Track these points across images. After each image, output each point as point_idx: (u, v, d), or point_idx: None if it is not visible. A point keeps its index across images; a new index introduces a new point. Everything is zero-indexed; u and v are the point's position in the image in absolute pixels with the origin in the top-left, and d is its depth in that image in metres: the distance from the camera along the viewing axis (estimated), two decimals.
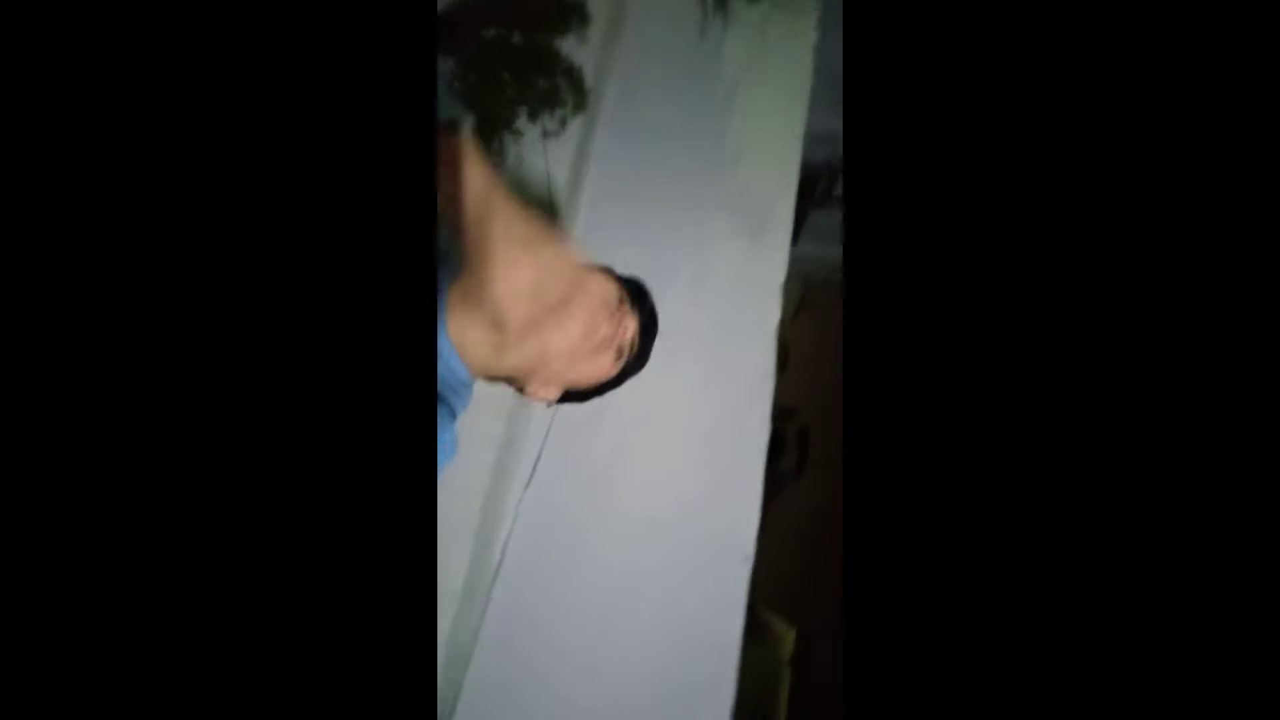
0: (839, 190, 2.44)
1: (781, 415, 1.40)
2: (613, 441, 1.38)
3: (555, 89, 1.40)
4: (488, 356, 0.57)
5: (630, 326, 0.66)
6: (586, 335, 0.62)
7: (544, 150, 1.44)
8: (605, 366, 0.65)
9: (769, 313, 1.41)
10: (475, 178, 0.52)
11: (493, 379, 0.65)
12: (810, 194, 2.35)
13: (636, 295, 0.71)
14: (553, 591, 1.34)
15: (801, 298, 3.27)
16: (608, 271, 0.67)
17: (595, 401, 1.45)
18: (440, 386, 0.56)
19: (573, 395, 0.74)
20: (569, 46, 1.44)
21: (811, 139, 1.69)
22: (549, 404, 0.72)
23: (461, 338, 0.53)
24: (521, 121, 1.35)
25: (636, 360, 0.69)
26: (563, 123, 1.41)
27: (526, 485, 1.39)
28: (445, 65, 1.34)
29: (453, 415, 0.60)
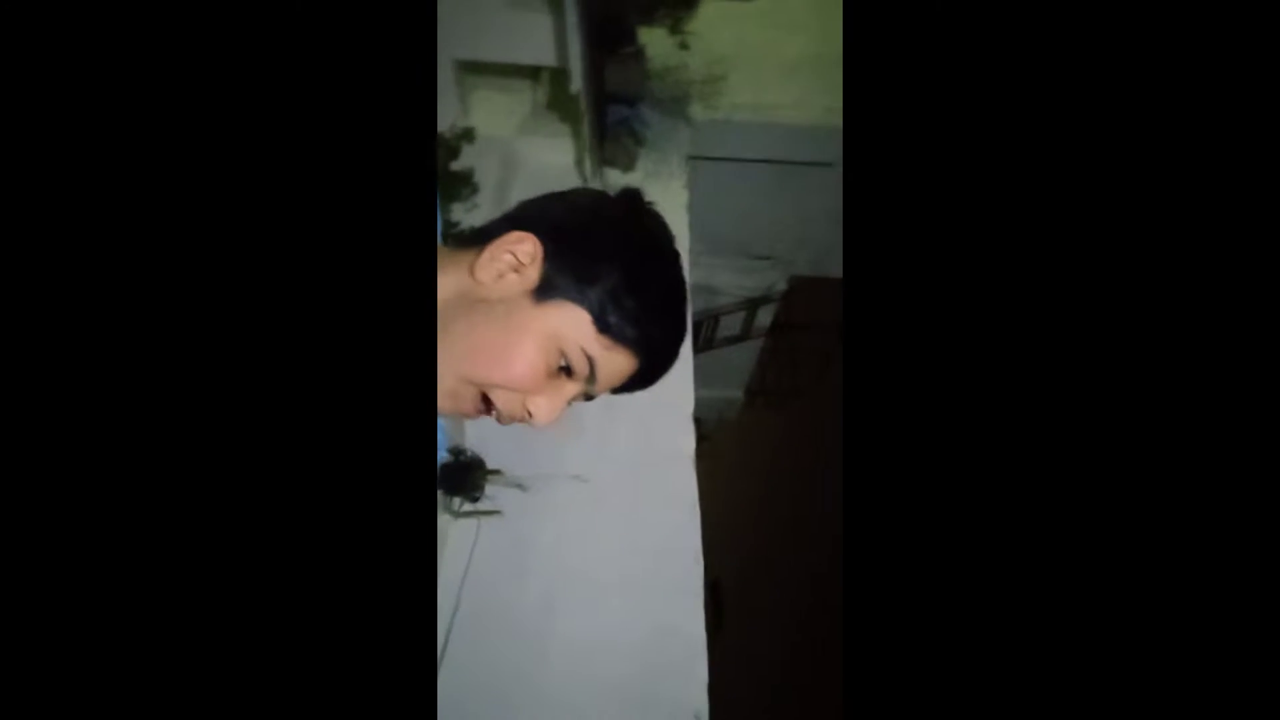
0: (720, 335, 2.62)
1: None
2: (535, 600, 1.25)
3: None
4: None
5: (590, 382, 0.45)
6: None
7: None
8: (551, 416, 0.45)
9: (684, 443, 1.41)
10: None
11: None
12: (694, 342, 2.49)
13: (644, 327, 0.46)
14: None
15: (697, 443, 3.29)
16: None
17: (513, 556, 1.33)
18: None
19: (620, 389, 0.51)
20: (459, 212, 1.50)
21: (691, 290, 1.84)
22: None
23: None
24: None
25: (642, 372, 0.47)
26: None
27: (436, 672, 1.19)
28: None
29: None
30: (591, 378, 0.46)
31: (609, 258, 0.46)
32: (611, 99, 1.52)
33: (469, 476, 1.25)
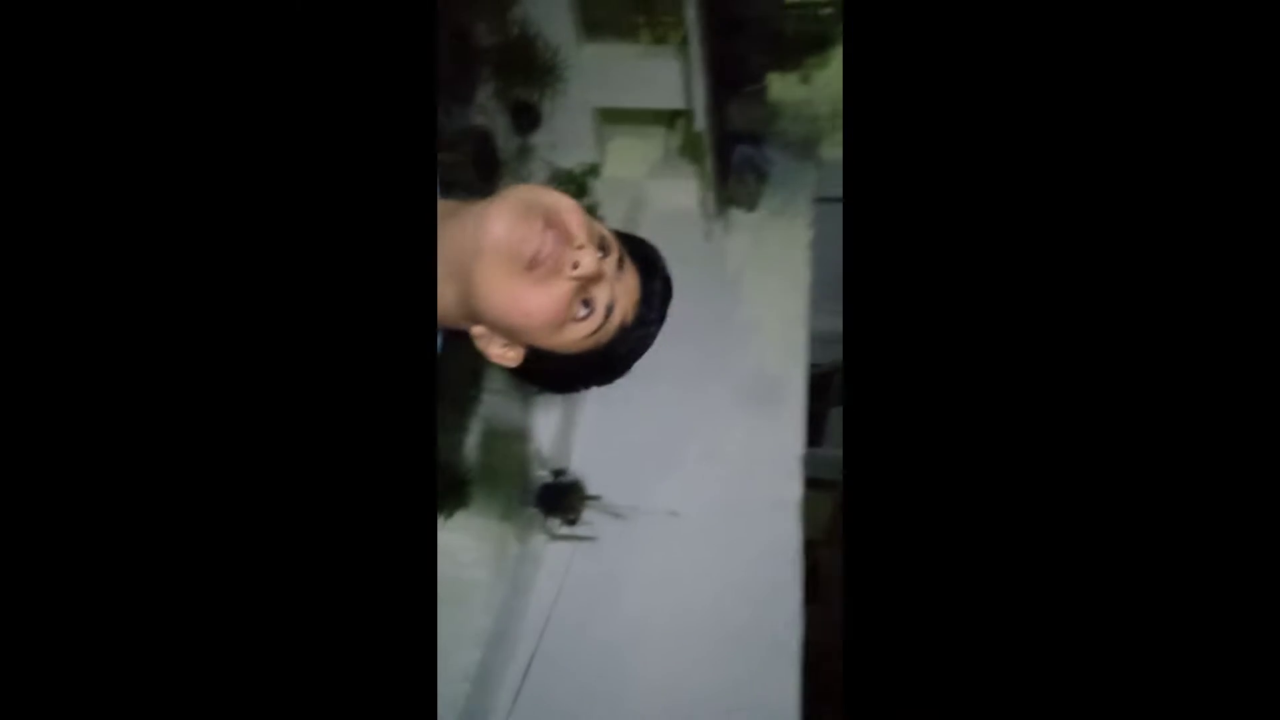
0: None
1: (816, 656, 1.18)
2: (621, 635, 1.21)
3: None
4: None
5: (617, 276, 0.48)
6: (510, 248, 0.44)
7: None
8: (560, 300, 0.45)
9: (789, 490, 1.32)
10: None
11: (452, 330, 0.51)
12: (826, 395, 2.36)
13: (639, 253, 0.53)
14: None
15: (834, 515, 3.02)
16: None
17: (601, 587, 1.31)
18: None
19: (553, 377, 0.54)
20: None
21: (824, 339, 1.75)
22: (513, 371, 0.51)
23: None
24: None
25: (638, 330, 0.51)
26: None
27: (515, 698, 1.18)
28: None
29: None
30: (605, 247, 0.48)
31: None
32: (736, 137, 1.53)
33: (566, 498, 1.26)
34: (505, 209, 0.45)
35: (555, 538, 1.29)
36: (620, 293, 0.49)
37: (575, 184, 1.50)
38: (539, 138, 1.68)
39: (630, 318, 0.50)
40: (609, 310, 0.48)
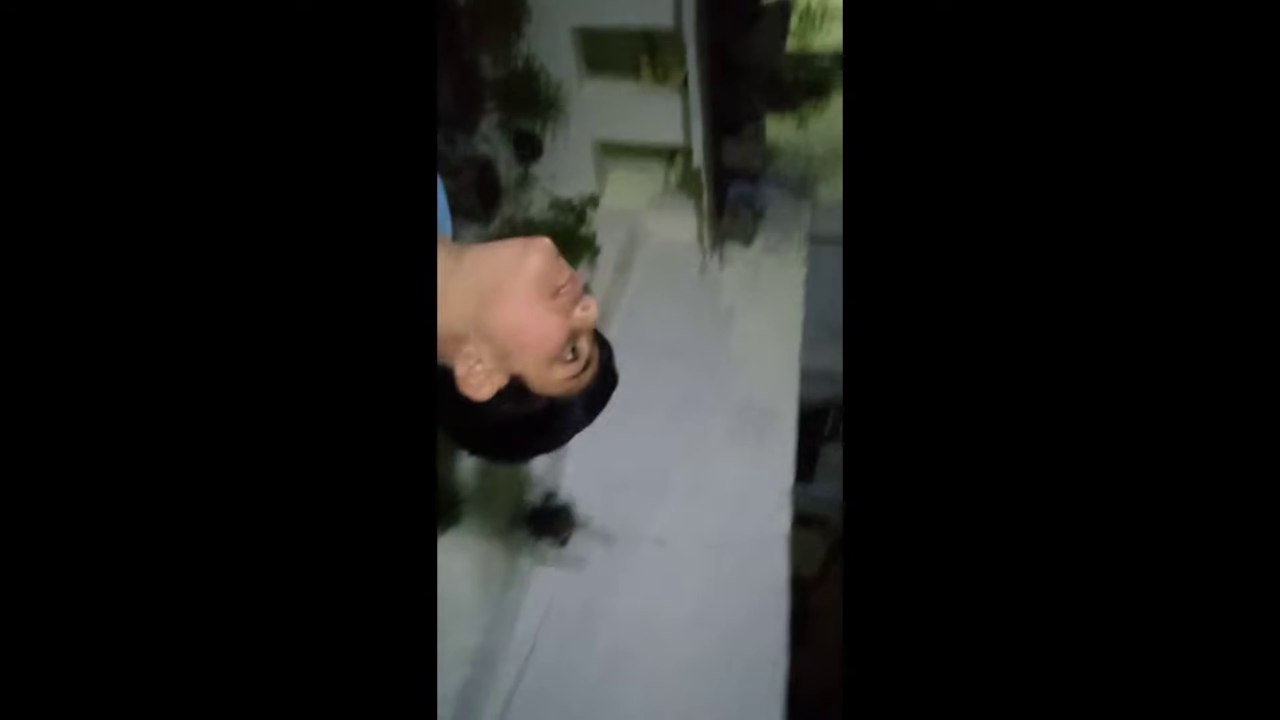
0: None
1: (802, 694, 1.15)
2: (606, 662, 1.18)
3: None
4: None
5: (594, 325, 0.56)
6: (545, 276, 0.53)
7: None
8: (565, 331, 0.54)
9: (777, 523, 1.31)
10: None
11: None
12: (819, 430, 2.36)
13: (599, 339, 0.62)
14: None
15: (829, 553, 2.99)
16: None
17: (585, 615, 1.29)
18: None
19: (501, 432, 0.58)
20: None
21: (817, 376, 1.77)
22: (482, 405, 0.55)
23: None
24: None
25: (587, 403, 0.60)
26: None
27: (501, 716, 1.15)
28: None
29: None
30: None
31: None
32: (733, 174, 1.57)
33: (556, 522, 1.25)
34: (544, 248, 0.54)
35: (543, 560, 1.27)
36: (592, 355, 0.58)
37: (574, 213, 1.53)
38: (540, 167, 1.72)
39: (591, 383, 0.58)
40: (587, 363, 0.56)
